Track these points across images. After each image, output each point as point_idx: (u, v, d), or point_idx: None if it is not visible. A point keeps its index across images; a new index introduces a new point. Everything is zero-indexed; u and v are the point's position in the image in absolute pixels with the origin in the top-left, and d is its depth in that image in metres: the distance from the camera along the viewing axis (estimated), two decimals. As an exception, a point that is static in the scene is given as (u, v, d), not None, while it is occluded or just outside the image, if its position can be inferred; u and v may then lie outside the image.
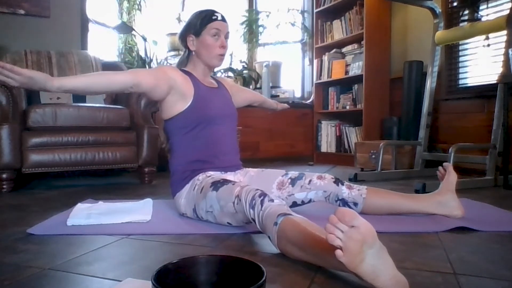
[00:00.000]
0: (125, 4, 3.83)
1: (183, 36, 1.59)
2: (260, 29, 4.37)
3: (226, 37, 1.58)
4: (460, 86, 3.15)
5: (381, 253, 0.80)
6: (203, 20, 1.53)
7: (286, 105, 2.12)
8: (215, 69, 1.73)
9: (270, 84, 4.11)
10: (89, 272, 0.96)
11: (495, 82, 2.48)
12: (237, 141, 1.71)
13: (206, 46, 1.54)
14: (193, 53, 1.60)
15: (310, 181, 1.52)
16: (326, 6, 4.04)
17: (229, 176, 1.53)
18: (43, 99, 2.54)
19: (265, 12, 4.38)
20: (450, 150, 2.36)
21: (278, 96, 4.22)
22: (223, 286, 0.73)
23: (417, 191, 2.14)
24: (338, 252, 0.78)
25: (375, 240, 0.79)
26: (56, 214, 1.58)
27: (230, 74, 4.08)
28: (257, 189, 1.20)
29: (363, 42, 3.56)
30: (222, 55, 1.58)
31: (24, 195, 2.10)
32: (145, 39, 3.63)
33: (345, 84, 3.96)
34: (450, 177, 1.50)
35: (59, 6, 3.16)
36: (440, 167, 1.57)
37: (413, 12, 3.44)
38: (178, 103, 1.52)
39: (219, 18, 1.55)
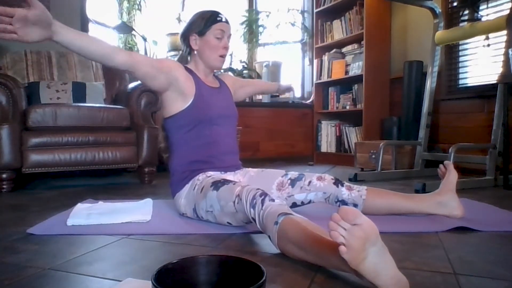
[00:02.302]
0: (125, 4, 3.83)
1: (186, 34, 1.59)
2: (260, 29, 4.37)
3: (229, 38, 1.59)
4: (460, 86, 3.15)
5: (382, 252, 0.80)
6: (208, 21, 1.54)
7: (287, 90, 2.13)
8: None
9: (270, 84, 4.11)
10: (89, 272, 0.96)
11: (495, 82, 2.48)
12: (237, 141, 1.71)
13: (210, 46, 1.55)
14: (195, 52, 1.60)
15: (309, 182, 1.52)
16: (326, 6, 4.04)
17: (229, 176, 1.53)
18: (43, 99, 2.54)
19: (265, 12, 4.38)
20: (450, 150, 2.36)
21: (278, 96, 4.22)
22: (223, 286, 0.73)
23: (417, 191, 2.14)
24: (342, 248, 0.78)
25: (378, 238, 0.79)
26: (56, 214, 1.58)
27: (230, 74, 4.08)
28: (258, 189, 1.20)
29: (363, 42, 3.56)
30: (224, 56, 1.59)
31: (24, 195, 2.10)
32: (145, 39, 3.63)
33: (345, 84, 3.96)
34: (451, 176, 1.50)
35: (59, 6, 3.16)
36: (441, 165, 1.57)
37: (413, 12, 3.44)
38: (178, 101, 1.52)
39: (224, 19, 1.57)
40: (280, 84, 2.13)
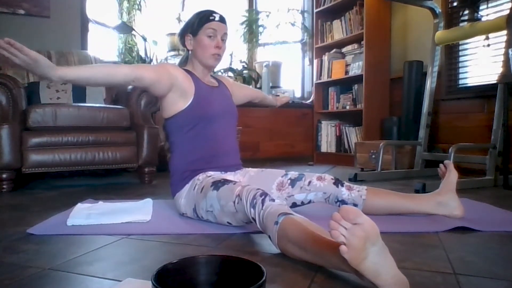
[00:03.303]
0: (125, 4, 3.83)
1: (182, 35, 1.61)
2: (260, 29, 4.37)
3: (223, 38, 1.58)
4: (460, 86, 3.15)
5: (383, 252, 0.80)
6: (201, 20, 1.55)
7: (285, 99, 2.12)
8: (216, 69, 1.74)
9: (270, 84, 4.11)
10: (89, 272, 0.96)
11: (495, 82, 2.48)
12: (237, 140, 1.72)
13: (202, 46, 1.55)
14: (190, 52, 1.62)
15: (309, 182, 1.52)
16: (326, 6, 4.05)
17: (229, 176, 1.53)
18: (43, 99, 2.54)
19: (265, 12, 4.38)
20: (450, 150, 2.36)
21: (278, 96, 4.21)
22: (223, 286, 0.73)
23: (417, 191, 2.14)
24: (343, 248, 0.78)
25: (378, 237, 0.79)
26: (56, 214, 1.58)
27: (230, 74, 4.08)
28: (258, 189, 1.20)
29: (363, 42, 3.56)
30: (217, 55, 1.57)
31: (24, 195, 2.10)
32: (145, 39, 3.63)
33: (345, 84, 3.96)
34: (451, 176, 1.50)
35: (59, 6, 3.16)
36: (441, 165, 1.57)
37: (413, 12, 3.44)
38: (179, 101, 1.53)
39: (217, 19, 1.55)
40: (278, 98, 2.12)
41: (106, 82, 1.41)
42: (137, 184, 2.56)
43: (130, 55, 3.77)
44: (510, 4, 2.65)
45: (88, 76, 1.34)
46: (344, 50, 4.02)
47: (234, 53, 4.23)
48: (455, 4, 3.10)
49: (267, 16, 4.37)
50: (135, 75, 1.41)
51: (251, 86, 4.05)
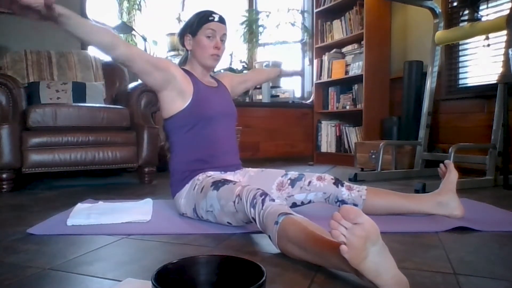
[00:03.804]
0: (125, 4, 3.83)
1: (181, 35, 1.61)
2: (260, 29, 4.37)
3: (222, 38, 1.58)
4: (460, 86, 3.15)
5: (383, 252, 0.80)
6: (200, 21, 1.55)
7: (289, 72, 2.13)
8: (216, 69, 1.73)
9: (270, 84, 4.11)
10: (89, 272, 0.96)
11: (495, 82, 2.48)
12: (237, 140, 1.71)
13: (201, 46, 1.55)
14: (189, 52, 1.62)
15: (309, 182, 1.52)
16: (326, 6, 4.05)
17: (229, 176, 1.53)
18: (43, 99, 2.54)
19: (265, 12, 4.38)
20: (450, 150, 2.36)
21: (278, 96, 4.23)
22: (223, 286, 0.73)
23: (417, 191, 2.14)
24: (343, 247, 0.78)
25: (378, 237, 0.79)
26: (56, 214, 1.58)
27: (229, 72, 4.08)
28: (258, 189, 1.20)
29: (363, 42, 3.56)
30: (216, 56, 1.57)
31: (24, 195, 2.10)
32: (145, 39, 3.63)
33: (345, 84, 3.96)
34: (451, 176, 1.50)
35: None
36: (441, 165, 1.57)
37: (413, 12, 3.44)
38: (177, 101, 1.53)
39: (216, 19, 1.55)
40: (282, 69, 2.12)
41: (98, 49, 1.34)
42: (137, 184, 2.56)
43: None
44: (510, 4, 2.65)
45: (83, 37, 1.27)
46: (344, 50, 4.02)
47: (234, 53, 4.23)
48: (455, 4, 3.10)
49: (267, 16, 4.37)
50: (125, 59, 1.38)
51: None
